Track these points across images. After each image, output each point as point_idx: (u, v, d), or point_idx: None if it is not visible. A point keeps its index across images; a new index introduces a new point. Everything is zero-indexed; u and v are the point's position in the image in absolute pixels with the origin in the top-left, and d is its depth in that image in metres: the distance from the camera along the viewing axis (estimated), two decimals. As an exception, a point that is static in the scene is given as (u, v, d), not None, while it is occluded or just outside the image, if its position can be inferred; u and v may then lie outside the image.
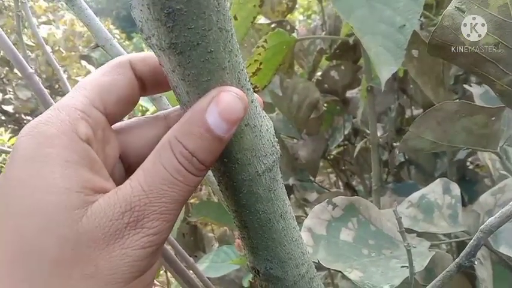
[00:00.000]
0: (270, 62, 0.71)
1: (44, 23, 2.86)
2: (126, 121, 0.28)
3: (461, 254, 0.31)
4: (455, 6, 0.32)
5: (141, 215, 0.20)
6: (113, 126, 0.26)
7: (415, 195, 0.63)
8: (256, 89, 0.74)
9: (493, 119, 0.44)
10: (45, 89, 0.44)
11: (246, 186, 0.26)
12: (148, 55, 0.25)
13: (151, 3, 0.20)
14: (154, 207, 0.20)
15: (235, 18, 0.63)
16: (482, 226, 0.29)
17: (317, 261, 0.45)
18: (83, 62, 2.90)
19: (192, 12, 0.20)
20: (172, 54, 0.21)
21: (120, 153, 0.26)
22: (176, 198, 0.21)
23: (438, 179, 0.59)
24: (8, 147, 1.30)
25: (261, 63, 0.69)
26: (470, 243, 0.30)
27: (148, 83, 0.26)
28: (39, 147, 0.20)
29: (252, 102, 0.25)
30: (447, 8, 0.32)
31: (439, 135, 0.46)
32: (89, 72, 2.85)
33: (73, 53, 2.71)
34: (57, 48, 2.71)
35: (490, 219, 0.28)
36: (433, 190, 0.60)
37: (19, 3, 0.90)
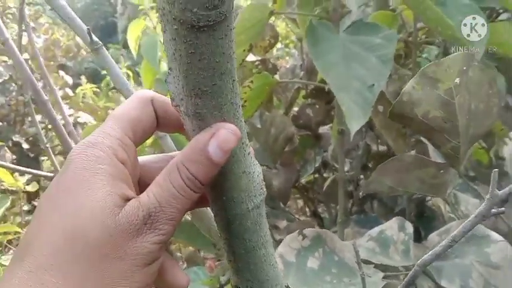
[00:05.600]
0: (254, 101, 0.78)
1: (24, 30, 2.85)
2: (148, 155, 0.35)
3: (402, 284, 0.38)
4: (412, 86, 0.40)
5: (155, 219, 0.27)
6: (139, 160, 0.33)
7: (375, 230, 0.70)
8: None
9: (441, 172, 0.52)
10: (56, 116, 0.50)
11: (238, 219, 0.32)
12: (167, 100, 0.32)
13: (185, 84, 0.26)
14: (165, 215, 0.27)
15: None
16: (418, 261, 0.37)
17: (286, 286, 0.52)
18: (61, 72, 2.90)
19: (215, 92, 0.27)
20: (195, 120, 0.28)
21: (139, 177, 0.33)
22: (180, 209, 0.28)
23: (395, 218, 0.67)
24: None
25: (245, 101, 0.77)
26: (409, 274, 0.38)
27: (160, 121, 0.32)
28: (92, 163, 0.27)
29: (249, 154, 0.31)
30: (405, 87, 0.40)
31: (396, 182, 0.53)
32: (65, 82, 2.85)
33: (52, 63, 2.71)
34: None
35: (424, 256, 0.36)
36: (391, 226, 0.68)
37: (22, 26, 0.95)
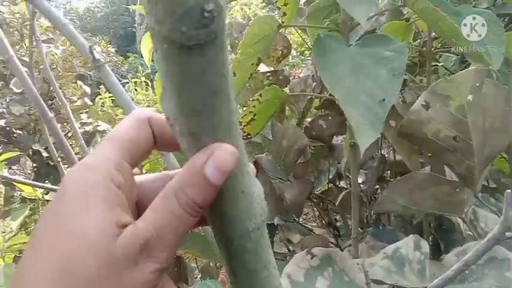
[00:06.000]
0: (264, 114, 0.77)
1: (43, 41, 2.91)
2: (146, 175, 0.34)
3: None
4: (421, 104, 0.38)
5: (153, 247, 0.26)
6: (136, 179, 0.32)
7: (390, 247, 0.68)
8: (249, 136, 0.80)
9: (457, 190, 0.50)
10: (62, 134, 0.49)
11: (237, 241, 0.31)
12: (164, 120, 0.30)
13: (178, 103, 0.25)
14: (162, 241, 0.26)
15: (234, 74, 0.69)
16: (430, 285, 0.35)
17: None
18: (79, 82, 2.94)
19: (208, 111, 0.26)
20: (190, 139, 0.27)
21: (137, 199, 0.32)
22: (178, 234, 0.27)
23: (411, 235, 0.64)
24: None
25: (255, 114, 0.75)
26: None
27: (158, 141, 0.32)
28: (87, 188, 0.26)
29: (248, 173, 0.30)
30: (414, 105, 0.38)
31: (410, 200, 0.51)
32: (84, 92, 2.90)
33: (70, 73, 2.76)
34: (54, 66, 2.76)
35: (434, 281, 0.34)
36: (406, 244, 0.65)
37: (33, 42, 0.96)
